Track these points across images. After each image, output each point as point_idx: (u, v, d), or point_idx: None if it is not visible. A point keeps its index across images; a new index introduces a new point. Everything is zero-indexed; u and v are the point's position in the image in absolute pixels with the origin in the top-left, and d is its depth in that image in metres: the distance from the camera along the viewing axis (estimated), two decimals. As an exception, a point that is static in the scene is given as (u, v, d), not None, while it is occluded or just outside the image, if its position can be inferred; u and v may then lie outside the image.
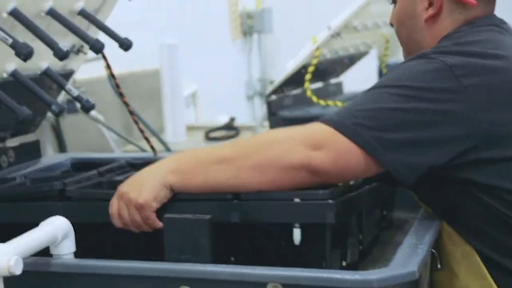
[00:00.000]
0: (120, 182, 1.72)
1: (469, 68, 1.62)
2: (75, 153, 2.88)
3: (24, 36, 1.95)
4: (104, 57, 2.42)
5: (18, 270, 1.30)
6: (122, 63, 4.39)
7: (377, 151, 1.55)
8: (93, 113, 3.63)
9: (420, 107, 1.57)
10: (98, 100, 3.74)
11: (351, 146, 1.54)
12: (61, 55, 1.99)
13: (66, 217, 1.54)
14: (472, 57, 1.64)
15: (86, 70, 3.51)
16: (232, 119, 4.47)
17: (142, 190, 1.57)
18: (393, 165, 1.56)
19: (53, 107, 2.09)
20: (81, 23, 2.23)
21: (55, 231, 1.47)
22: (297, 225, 1.55)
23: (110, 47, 3.86)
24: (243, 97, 5.35)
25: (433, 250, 1.73)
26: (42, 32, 1.98)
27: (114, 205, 1.60)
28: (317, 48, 3.40)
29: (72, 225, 1.55)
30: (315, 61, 3.38)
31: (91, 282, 1.48)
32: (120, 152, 3.65)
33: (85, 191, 1.73)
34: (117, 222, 1.60)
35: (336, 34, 3.47)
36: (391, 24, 1.89)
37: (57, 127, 3.72)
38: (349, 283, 1.36)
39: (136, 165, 2.22)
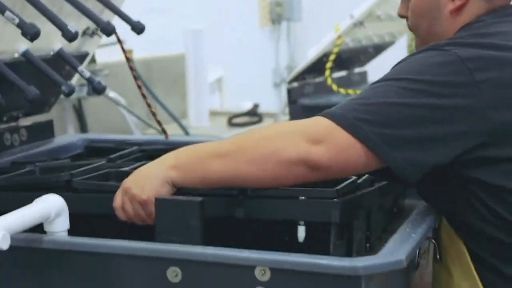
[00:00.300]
0: (129, 173, 1.73)
1: (484, 62, 1.55)
2: (88, 134, 2.90)
3: (37, 18, 1.97)
4: (119, 40, 2.43)
5: (5, 246, 1.32)
6: (148, 47, 4.43)
7: (379, 147, 1.50)
8: (114, 95, 3.66)
9: (427, 102, 1.52)
10: (121, 83, 3.78)
11: (352, 141, 1.49)
12: (70, 37, 2.01)
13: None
14: (490, 49, 1.57)
15: (110, 53, 3.54)
16: (256, 106, 4.48)
17: (145, 186, 1.56)
18: (395, 162, 1.51)
19: (63, 87, 2.11)
20: (95, 6, 2.24)
21: (47, 208, 1.48)
22: (301, 222, 1.54)
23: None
24: (270, 84, 5.35)
25: (433, 241, 1.71)
26: (51, 13, 1.99)
27: (118, 199, 1.60)
28: (339, 37, 3.38)
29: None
30: (336, 50, 3.36)
31: (81, 259, 1.49)
32: (140, 135, 3.66)
33: (91, 183, 1.74)
34: (121, 215, 1.60)
35: (359, 23, 3.45)
36: (402, 16, 1.81)
37: (79, 108, 3.76)
38: (335, 269, 1.36)
39: (147, 151, 2.23)
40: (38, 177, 1.91)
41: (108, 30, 2.15)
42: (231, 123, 4.31)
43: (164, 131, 2.44)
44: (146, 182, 1.57)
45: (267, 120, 4.33)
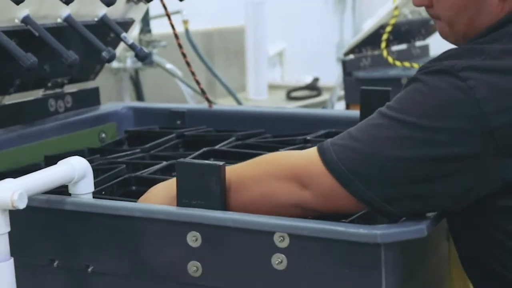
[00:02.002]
0: (148, 180, 1.76)
1: (506, 100, 1.33)
2: (133, 102, 2.91)
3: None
4: (164, 7, 2.41)
5: (21, 205, 1.32)
6: (209, 19, 4.42)
7: (372, 202, 1.37)
8: (170, 67, 3.67)
9: (430, 154, 1.34)
10: (178, 55, 3.79)
11: (341, 191, 1.38)
12: (107, 1, 2.01)
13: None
14: None
15: (166, 25, 3.55)
16: (316, 80, 4.44)
17: None
18: (391, 215, 1.39)
19: (104, 53, 2.12)
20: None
21: (70, 170, 1.48)
22: None
23: (196, 3, 3.86)
24: (334, 58, 5.29)
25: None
26: (89, -23, 2.00)
27: None
28: (396, 8, 3.30)
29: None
30: (393, 21, 3.28)
31: (103, 222, 1.48)
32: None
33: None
34: None
35: (417, -6, 3.36)
36: (421, 5, 1.52)
37: (136, 78, 3.78)
38: (354, 236, 1.32)
39: (185, 136, 2.22)
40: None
41: (147, -4, 2.14)
42: (289, 97, 4.29)
43: (208, 100, 2.43)
44: None
45: (325, 94, 4.29)
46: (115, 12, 2.30)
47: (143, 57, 2.23)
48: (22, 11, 1.98)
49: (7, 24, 1.96)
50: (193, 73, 2.43)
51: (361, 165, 1.37)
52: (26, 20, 1.99)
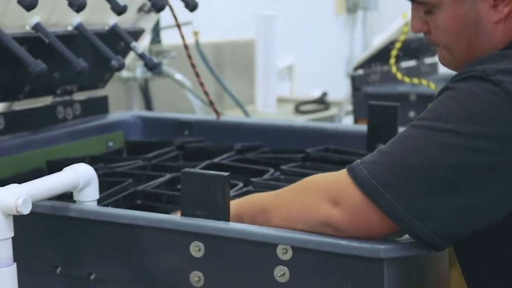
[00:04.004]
0: (152, 194, 1.80)
1: None
2: (140, 111, 2.92)
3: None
4: (175, 17, 2.41)
5: (25, 210, 1.32)
6: (219, 31, 4.44)
7: (402, 219, 1.31)
8: (180, 77, 3.67)
9: (472, 161, 1.29)
10: (188, 66, 3.80)
11: (371, 207, 1.33)
12: (118, 10, 2.02)
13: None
14: None
15: (177, 35, 3.56)
16: (324, 94, 4.45)
17: None
18: (421, 236, 1.32)
19: (113, 61, 2.12)
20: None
21: (75, 177, 1.48)
22: None
23: (207, 14, 3.87)
24: (343, 74, 5.30)
25: None
26: (101, -14, 2.00)
27: None
28: (406, 24, 3.31)
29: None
30: (403, 38, 3.29)
31: (107, 229, 1.49)
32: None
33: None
34: None
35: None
36: (419, 31, 1.50)
37: (145, 88, 3.79)
38: (357, 250, 1.32)
39: (186, 149, 2.23)
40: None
41: (159, 5, 2.15)
42: (298, 110, 4.29)
43: (216, 111, 2.43)
44: None
45: (333, 109, 4.29)
46: (125, 21, 2.31)
47: (152, 67, 2.24)
48: (33, 18, 1.99)
49: (18, 31, 1.97)
50: (201, 84, 2.43)
51: (392, 177, 1.32)
52: (37, 27, 2.00)
